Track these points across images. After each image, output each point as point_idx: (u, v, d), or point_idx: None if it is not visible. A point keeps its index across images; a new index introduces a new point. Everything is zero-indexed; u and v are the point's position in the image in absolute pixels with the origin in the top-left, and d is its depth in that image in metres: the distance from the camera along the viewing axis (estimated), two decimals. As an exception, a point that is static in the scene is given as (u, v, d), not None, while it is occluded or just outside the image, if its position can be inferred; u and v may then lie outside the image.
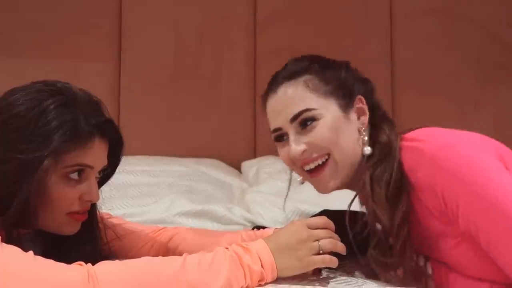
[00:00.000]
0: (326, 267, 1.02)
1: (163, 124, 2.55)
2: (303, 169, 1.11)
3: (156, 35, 2.58)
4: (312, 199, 1.90)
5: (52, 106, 0.96)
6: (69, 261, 0.85)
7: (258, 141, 2.62)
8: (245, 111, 2.61)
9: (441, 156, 0.97)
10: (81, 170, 0.98)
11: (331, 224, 1.02)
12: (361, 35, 2.57)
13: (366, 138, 1.08)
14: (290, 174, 1.24)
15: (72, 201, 0.98)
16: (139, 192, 1.91)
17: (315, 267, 0.97)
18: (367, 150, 1.07)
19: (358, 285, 0.99)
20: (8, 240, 0.85)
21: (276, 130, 1.13)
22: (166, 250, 1.19)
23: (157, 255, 1.15)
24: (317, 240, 0.97)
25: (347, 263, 1.12)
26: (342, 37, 2.55)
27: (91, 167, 0.99)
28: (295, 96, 1.09)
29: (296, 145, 1.08)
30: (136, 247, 1.19)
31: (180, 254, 1.13)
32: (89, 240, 1.06)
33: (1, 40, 2.47)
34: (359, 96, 1.11)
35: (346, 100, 1.09)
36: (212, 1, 2.62)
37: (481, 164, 0.94)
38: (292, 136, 1.09)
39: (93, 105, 1.02)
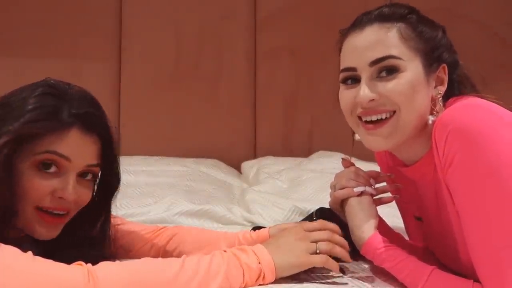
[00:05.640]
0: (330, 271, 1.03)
1: (163, 124, 2.55)
2: (360, 119, 1.02)
3: (156, 35, 2.58)
4: (311, 198, 1.90)
5: (36, 94, 0.95)
6: (68, 262, 0.85)
7: (258, 141, 2.62)
8: (245, 111, 2.61)
9: (456, 113, 0.91)
10: (58, 164, 0.94)
11: (329, 225, 1.03)
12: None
13: (437, 108, 0.99)
14: (353, 137, 1.11)
15: (43, 194, 0.94)
16: (139, 192, 1.91)
17: (312, 265, 0.97)
18: (431, 119, 0.99)
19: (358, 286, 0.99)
20: (3, 241, 0.85)
21: (347, 69, 1.02)
22: (166, 250, 1.18)
23: (157, 255, 1.15)
24: (315, 241, 0.98)
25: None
26: (342, 37, 2.55)
27: (66, 159, 0.94)
28: (384, 39, 0.99)
29: (368, 90, 0.98)
30: (136, 247, 1.19)
31: (180, 254, 1.13)
32: (97, 244, 1.04)
33: (1, 39, 2.47)
34: (444, 65, 1.02)
35: (431, 63, 1.00)
36: (212, 1, 2.62)
37: (497, 132, 0.87)
38: (365, 80, 0.99)
39: (85, 100, 0.99)
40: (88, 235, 1.05)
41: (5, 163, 0.90)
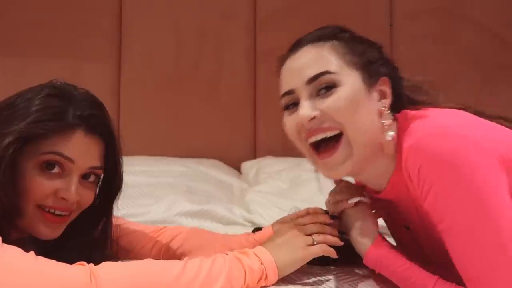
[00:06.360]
0: (326, 263, 1.06)
1: (163, 124, 2.55)
2: (309, 145, 0.99)
3: (156, 34, 2.58)
4: (311, 199, 1.90)
5: (42, 95, 0.96)
6: (70, 263, 0.85)
7: (258, 142, 2.62)
8: (245, 111, 2.61)
9: (427, 140, 0.89)
10: (62, 165, 0.95)
11: (319, 217, 1.06)
12: (361, 35, 2.57)
13: (387, 122, 0.97)
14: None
15: (45, 194, 0.95)
16: (139, 193, 1.91)
17: (313, 256, 0.99)
18: (389, 135, 0.96)
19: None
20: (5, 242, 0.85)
21: (287, 93, 1.00)
22: (167, 250, 1.18)
23: (158, 255, 1.15)
24: (309, 234, 1.01)
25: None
26: (342, 37, 2.55)
27: (70, 160, 0.95)
28: (318, 57, 0.98)
29: (307, 109, 0.95)
30: (137, 247, 1.19)
31: (182, 255, 1.14)
32: (98, 245, 1.05)
33: (1, 39, 2.47)
34: (384, 78, 1.00)
35: (369, 76, 0.98)
36: (212, 1, 2.62)
37: (471, 157, 0.86)
38: (304, 100, 0.96)
39: (90, 103, 1.00)
40: (90, 237, 1.05)
41: (10, 162, 0.91)
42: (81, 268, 0.83)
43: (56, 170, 0.95)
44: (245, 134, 2.60)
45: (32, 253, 0.83)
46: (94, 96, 1.03)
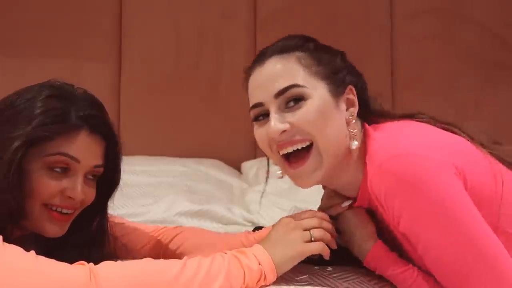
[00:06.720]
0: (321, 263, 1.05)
1: (163, 124, 2.55)
2: (280, 156, 1.01)
3: (156, 34, 2.58)
4: (311, 198, 1.90)
5: (43, 97, 0.98)
6: (70, 262, 0.85)
7: (258, 141, 2.62)
8: (245, 111, 2.61)
9: (388, 164, 0.91)
10: (68, 165, 0.97)
11: (318, 213, 1.04)
12: (361, 35, 2.57)
13: (354, 130, 0.99)
14: (268, 164, 1.11)
15: (52, 194, 0.97)
16: (139, 192, 1.92)
17: (310, 253, 0.98)
18: (354, 144, 0.98)
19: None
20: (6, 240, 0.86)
21: (256, 105, 1.02)
22: (167, 250, 1.19)
23: (158, 255, 1.16)
24: (306, 229, 0.99)
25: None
26: (342, 37, 2.55)
27: (76, 160, 0.98)
28: (285, 69, 0.99)
29: (277, 123, 0.97)
30: (137, 246, 1.19)
31: (181, 254, 1.14)
32: (97, 243, 1.06)
33: (1, 40, 2.47)
34: (350, 86, 1.02)
35: (336, 86, 0.99)
36: (212, 1, 2.62)
37: (431, 177, 0.89)
38: (273, 113, 0.98)
39: (90, 103, 1.02)
40: (88, 233, 1.06)
41: (18, 166, 0.92)
42: (81, 268, 0.83)
43: (62, 170, 0.98)
44: (245, 134, 2.59)
45: (32, 252, 0.84)
46: (93, 96, 1.05)
